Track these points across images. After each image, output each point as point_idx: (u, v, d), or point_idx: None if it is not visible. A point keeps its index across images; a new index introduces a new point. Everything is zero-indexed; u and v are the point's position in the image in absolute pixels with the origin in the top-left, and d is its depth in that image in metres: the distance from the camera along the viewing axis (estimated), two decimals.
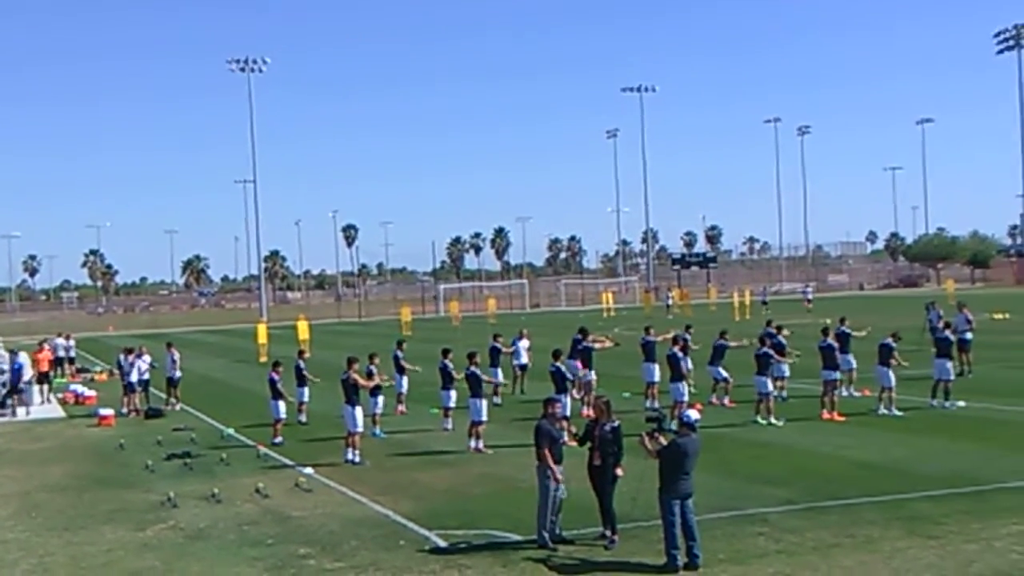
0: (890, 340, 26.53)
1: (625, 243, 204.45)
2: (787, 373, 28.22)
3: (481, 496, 18.79)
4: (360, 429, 22.68)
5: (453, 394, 25.61)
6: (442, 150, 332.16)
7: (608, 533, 14.90)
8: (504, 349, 32.30)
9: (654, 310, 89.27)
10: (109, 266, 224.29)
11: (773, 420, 25.00)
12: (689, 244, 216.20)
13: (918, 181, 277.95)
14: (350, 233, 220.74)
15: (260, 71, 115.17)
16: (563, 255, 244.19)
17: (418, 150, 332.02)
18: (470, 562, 14.46)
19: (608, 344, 29.03)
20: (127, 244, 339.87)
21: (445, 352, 25.77)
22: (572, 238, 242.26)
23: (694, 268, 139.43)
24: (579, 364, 27.59)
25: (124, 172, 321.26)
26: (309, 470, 21.48)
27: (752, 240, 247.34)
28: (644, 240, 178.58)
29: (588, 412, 22.45)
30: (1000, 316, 60.65)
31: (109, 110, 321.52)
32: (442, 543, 15.56)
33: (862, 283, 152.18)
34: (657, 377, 27.78)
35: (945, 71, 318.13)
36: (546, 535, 14.96)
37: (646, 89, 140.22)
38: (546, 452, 15.07)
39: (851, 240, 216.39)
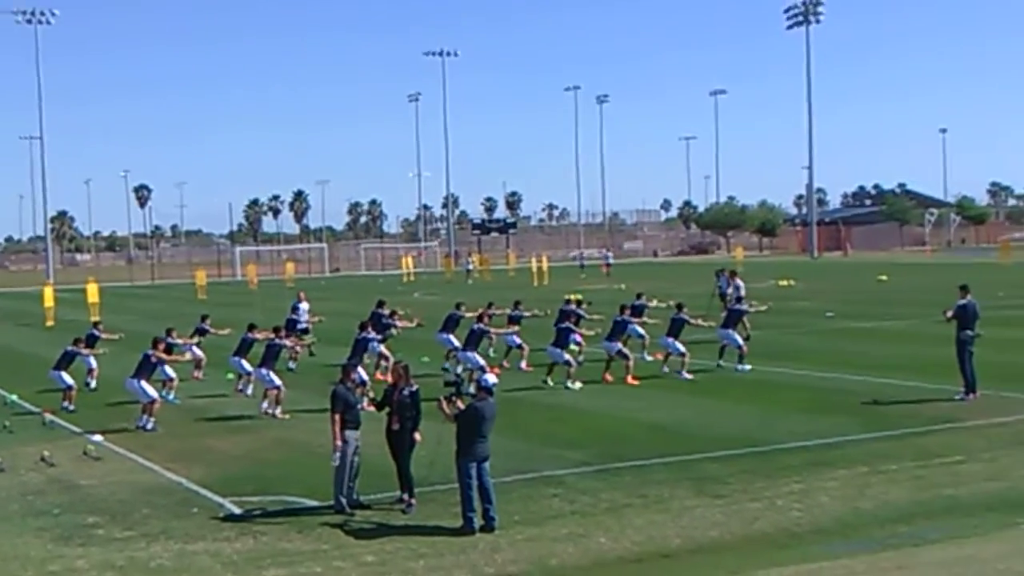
0: (683, 315, 27.55)
1: (426, 208, 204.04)
2: (581, 341, 28.86)
3: (277, 462, 18.61)
4: (155, 396, 22.16)
5: (244, 362, 25.34)
6: (239, 110, 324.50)
7: (406, 497, 14.97)
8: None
9: (454, 275, 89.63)
10: None
11: (570, 384, 25.42)
12: (489, 210, 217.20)
13: (711, 151, 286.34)
14: (142, 194, 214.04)
15: (48, 23, 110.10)
16: (363, 219, 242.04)
17: (215, 110, 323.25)
18: (265, 528, 14.33)
19: (411, 324, 29.63)
20: None
21: (251, 327, 25.56)
22: (373, 202, 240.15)
23: (494, 234, 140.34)
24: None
25: None
26: (98, 437, 20.84)
27: (551, 207, 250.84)
28: (445, 205, 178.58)
29: (386, 376, 22.41)
30: (785, 283, 63.23)
31: None
32: (236, 510, 15.36)
33: (656, 250, 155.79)
34: (456, 343, 27.91)
35: (738, 43, 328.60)
36: (343, 500, 14.92)
37: (448, 54, 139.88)
38: (336, 418, 15.00)
39: (646, 208, 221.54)
